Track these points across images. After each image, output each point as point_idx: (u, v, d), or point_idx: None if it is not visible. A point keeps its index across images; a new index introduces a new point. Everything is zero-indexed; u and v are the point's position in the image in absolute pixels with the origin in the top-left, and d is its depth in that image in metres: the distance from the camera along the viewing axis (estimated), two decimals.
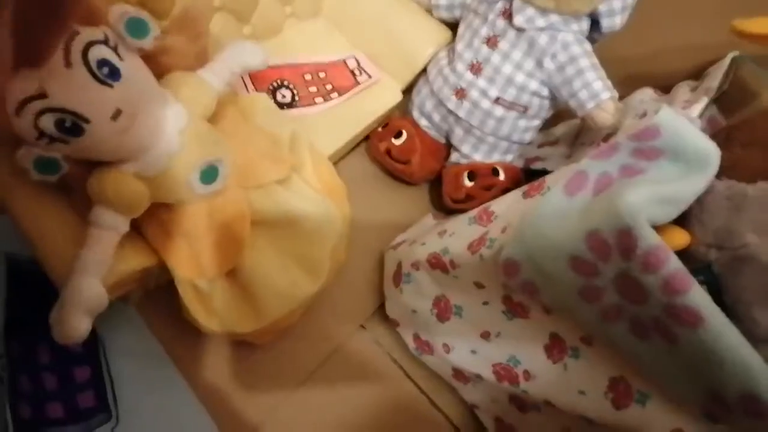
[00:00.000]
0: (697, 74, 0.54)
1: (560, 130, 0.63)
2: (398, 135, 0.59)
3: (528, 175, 0.58)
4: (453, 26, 0.59)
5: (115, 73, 0.33)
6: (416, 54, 0.60)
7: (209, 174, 0.40)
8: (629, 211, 0.35)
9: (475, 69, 0.54)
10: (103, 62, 0.33)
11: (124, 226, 0.39)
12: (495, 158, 0.58)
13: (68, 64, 0.31)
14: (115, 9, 0.34)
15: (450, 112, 0.56)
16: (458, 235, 0.49)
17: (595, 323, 0.39)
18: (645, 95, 0.54)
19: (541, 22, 0.50)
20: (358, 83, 0.58)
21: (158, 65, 0.38)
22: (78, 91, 0.32)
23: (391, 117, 0.61)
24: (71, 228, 0.40)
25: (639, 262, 0.34)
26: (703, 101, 0.45)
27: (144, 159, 0.37)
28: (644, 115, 0.49)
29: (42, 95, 0.31)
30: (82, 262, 0.37)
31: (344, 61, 0.60)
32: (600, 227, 0.36)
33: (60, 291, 0.37)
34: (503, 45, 0.52)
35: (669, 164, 0.38)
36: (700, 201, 0.38)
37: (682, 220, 0.39)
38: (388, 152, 0.59)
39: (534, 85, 0.53)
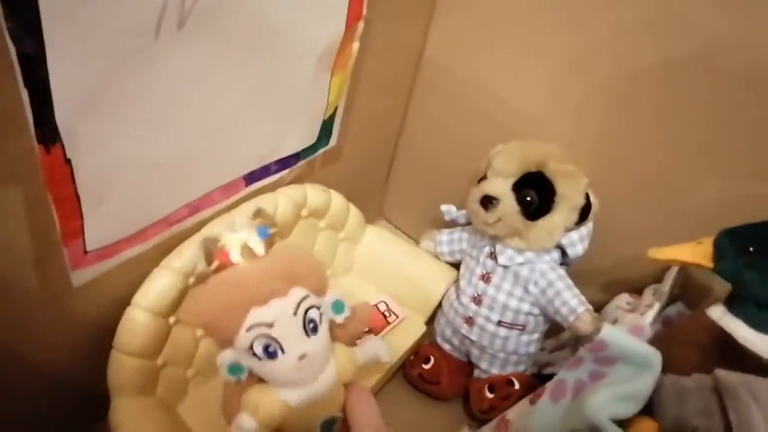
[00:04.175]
0: (661, 278, 0.66)
1: (566, 335, 0.74)
2: (427, 360, 0.71)
3: (543, 380, 0.67)
4: (457, 265, 0.75)
5: (315, 330, 0.46)
6: (432, 292, 0.74)
7: (328, 426, 0.49)
8: (594, 411, 0.44)
9: (477, 301, 0.67)
10: (312, 320, 0.46)
11: None
12: (509, 370, 0.68)
13: (295, 314, 0.45)
14: (330, 293, 0.49)
15: (464, 336, 0.69)
16: None
17: None
18: (621, 301, 0.65)
19: (519, 258, 0.65)
20: (389, 323, 0.72)
21: (333, 333, 0.50)
22: (291, 332, 0.45)
23: (420, 345, 0.74)
24: None
25: None
26: (656, 306, 0.56)
27: (295, 392, 0.47)
28: (615, 321, 0.60)
29: (271, 325, 0.44)
30: None
31: (376, 306, 0.74)
32: (576, 427, 0.45)
33: None
34: (495, 279, 0.66)
35: (624, 367, 0.48)
36: (657, 394, 0.47)
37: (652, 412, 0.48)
38: (421, 376, 0.70)
39: (526, 307, 0.65)
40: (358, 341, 0.56)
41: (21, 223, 0.43)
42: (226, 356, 0.45)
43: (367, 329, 0.56)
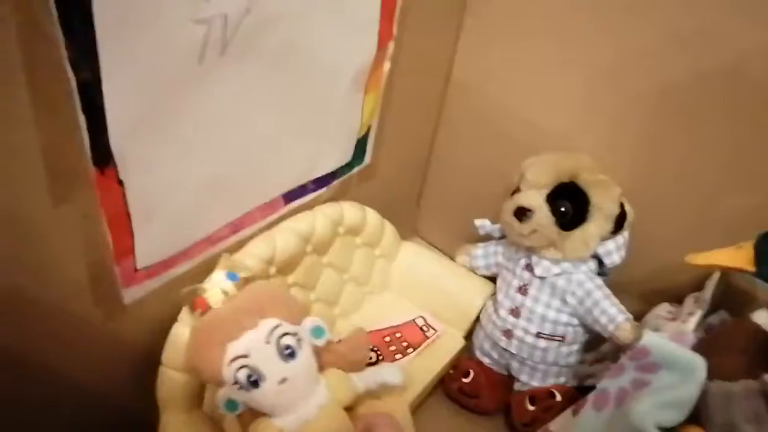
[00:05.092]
0: (702, 286, 0.65)
1: (606, 347, 0.73)
2: (466, 374, 0.71)
3: (584, 392, 0.67)
4: (493, 279, 0.75)
5: (293, 355, 0.48)
6: (469, 306, 0.75)
7: None
8: (639, 419, 0.44)
9: (515, 313, 0.67)
10: (288, 347, 0.48)
11: None
12: (550, 382, 0.68)
13: (267, 342, 0.47)
14: (308, 320, 0.51)
15: (504, 349, 0.69)
16: None
17: None
18: (661, 310, 0.65)
19: (555, 269, 0.65)
20: (427, 338, 0.72)
21: (323, 359, 0.52)
22: (267, 359, 0.47)
23: (459, 360, 0.74)
24: None
25: None
26: (698, 314, 0.56)
27: (288, 418, 0.48)
28: (656, 330, 0.59)
29: (246, 356, 0.47)
30: None
31: (414, 321, 0.75)
32: None
33: None
34: (532, 291, 0.66)
35: (667, 374, 0.47)
36: (704, 401, 0.46)
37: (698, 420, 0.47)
38: (461, 390, 0.71)
39: (564, 317, 0.65)
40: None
41: (77, 242, 0.45)
42: (222, 393, 0.48)
43: (368, 356, 0.57)
